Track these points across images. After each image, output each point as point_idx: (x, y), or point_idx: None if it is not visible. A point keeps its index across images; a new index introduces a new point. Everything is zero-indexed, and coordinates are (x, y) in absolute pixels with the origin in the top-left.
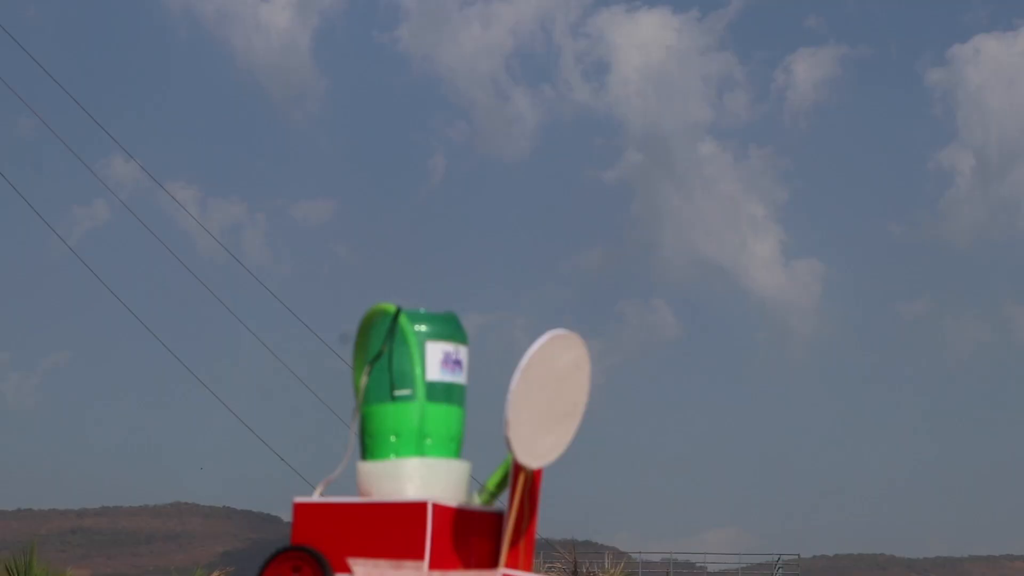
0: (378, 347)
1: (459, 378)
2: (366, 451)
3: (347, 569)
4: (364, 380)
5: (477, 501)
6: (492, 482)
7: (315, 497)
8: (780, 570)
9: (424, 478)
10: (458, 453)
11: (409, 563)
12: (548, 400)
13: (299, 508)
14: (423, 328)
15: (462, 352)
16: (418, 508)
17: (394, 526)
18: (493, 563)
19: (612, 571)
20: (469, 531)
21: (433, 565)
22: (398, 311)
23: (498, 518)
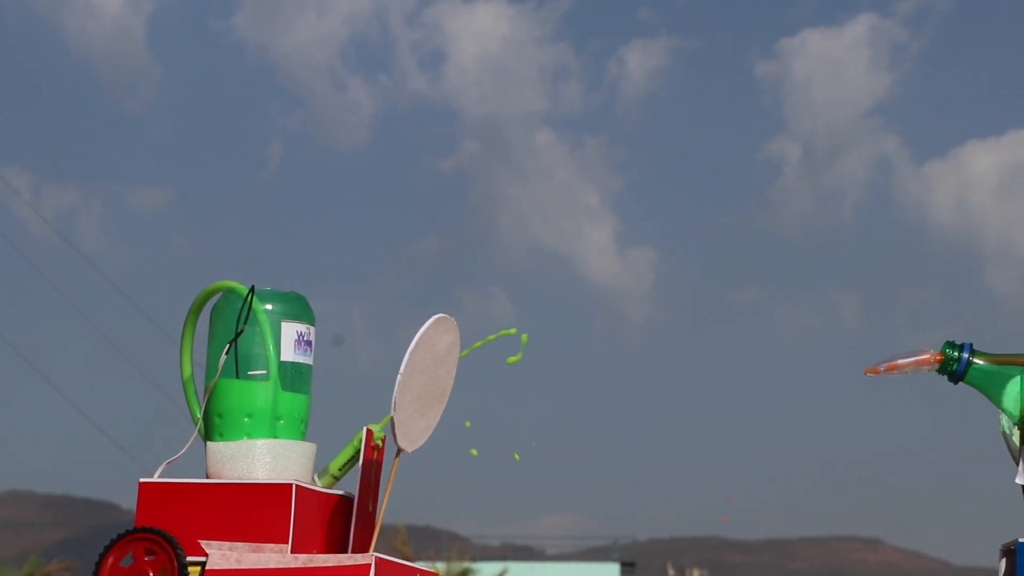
0: (228, 325)
1: (309, 359)
2: (215, 431)
3: (200, 552)
4: (223, 359)
5: (319, 484)
6: (335, 465)
7: (161, 477)
8: (616, 553)
9: (276, 459)
10: (305, 435)
11: (270, 546)
12: (425, 384)
13: (145, 488)
14: (276, 308)
15: (312, 333)
16: (282, 490)
17: (254, 508)
18: (344, 547)
19: (454, 556)
20: (324, 514)
21: (295, 548)
22: (252, 289)
23: (349, 502)
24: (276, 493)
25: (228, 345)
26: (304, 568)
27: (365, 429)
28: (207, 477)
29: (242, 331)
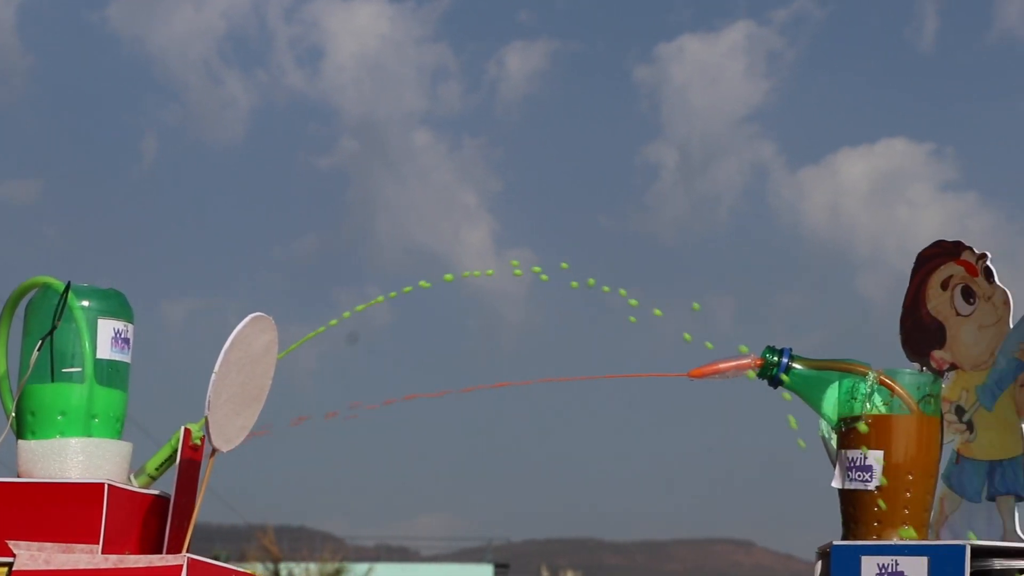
0: (43, 321)
1: (127, 357)
2: (27, 429)
3: (7, 553)
4: (35, 355)
5: (135, 483)
6: (152, 464)
7: None
8: (489, 554)
9: (90, 458)
10: (121, 434)
11: (81, 547)
12: (242, 383)
13: None
14: (93, 304)
15: (130, 331)
16: (93, 489)
17: (64, 508)
18: (160, 547)
19: (327, 557)
20: (139, 515)
21: (106, 549)
22: (68, 286)
23: (165, 502)
24: (87, 492)
25: (40, 341)
26: (115, 568)
27: (183, 429)
28: (18, 476)
29: (55, 327)
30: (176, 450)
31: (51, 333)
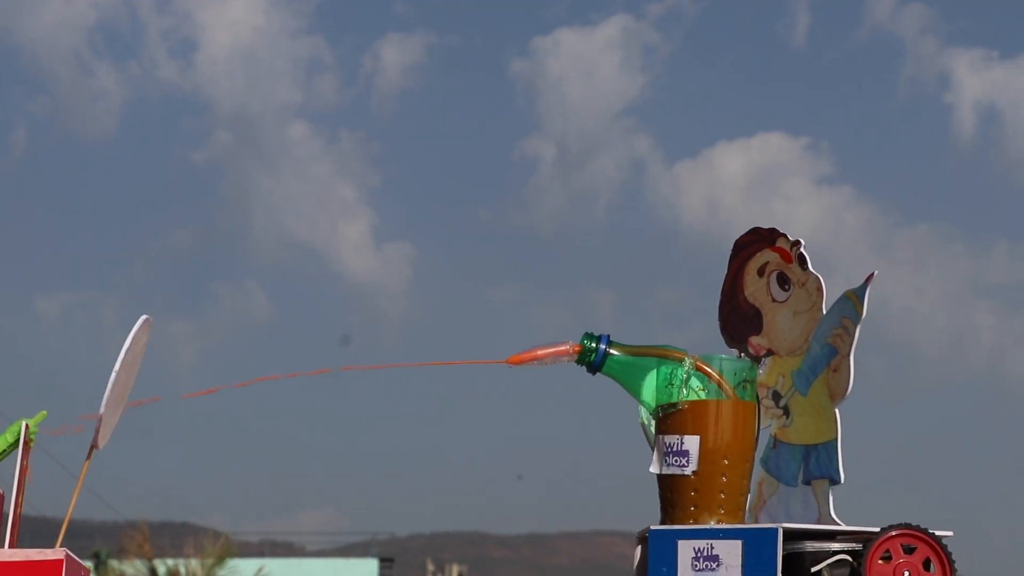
0: None
1: None
2: None
3: None
4: None
5: None
6: None
7: None
8: (374, 549)
9: None
10: None
11: None
12: (123, 383)
13: None
14: None
15: None
16: None
17: None
18: None
19: (211, 551)
20: None
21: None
22: None
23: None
24: None
25: None
26: None
27: (24, 424)
28: None
29: None
30: (11, 444)
31: None
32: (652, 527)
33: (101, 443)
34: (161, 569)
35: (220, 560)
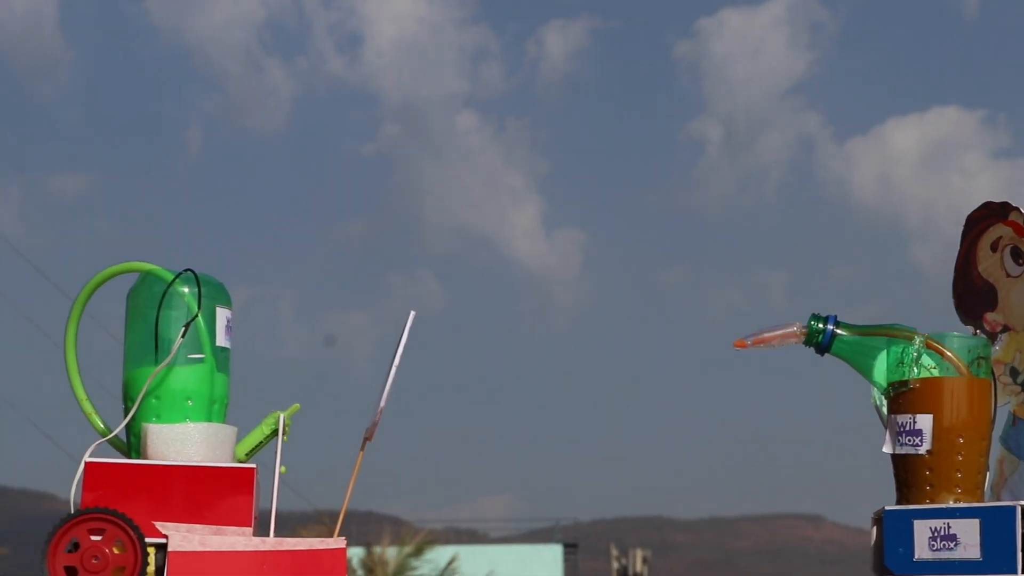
0: (149, 308)
1: (231, 344)
2: (151, 413)
3: (156, 534)
4: (179, 341)
5: None
6: (242, 449)
7: (94, 457)
8: (558, 535)
9: (210, 442)
10: (226, 418)
11: (232, 529)
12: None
13: (91, 469)
14: (210, 293)
15: (232, 318)
16: (244, 473)
17: (214, 491)
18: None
19: (406, 540)
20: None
21: (256, 531)
22: (195, 275)
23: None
24: (238, 476)
25: (184, 328)
26: (273, 551)
27: (279, 415)
28: (146, 459)
29: (197, 316)
30: (267, 436)
31: (192, 320)
32: (887, 507)
33: (374, 436)
34: (354, 560)
35: (419, 550)
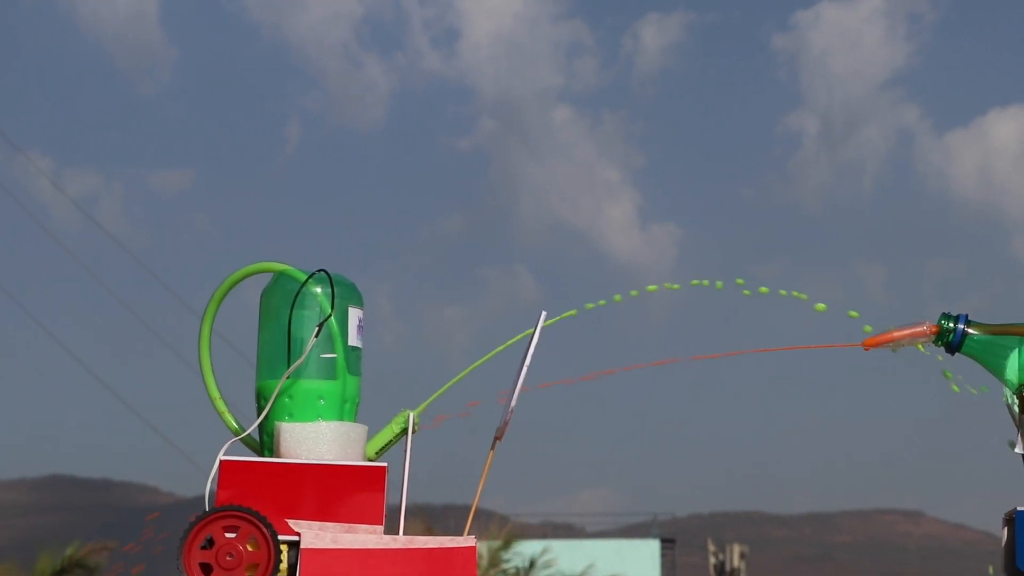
0: (283, 308)
1: (362, 344)
2: (284, 411)
3: (288, 531)
4: (312, 341)
5: None
6: (372, 448)
7: (227, 455)
8: (655, 529)
9: (341, 441)
10: (357, 417)
11: (364, 527)
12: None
13: (226, 467)
14: (343, 293)
15: (364, 318)
16: (376, 472)
17: (346, 489)
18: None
19: (495, 534)
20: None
21: (387, 530)
22: (328, 275)
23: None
24: (370, 475)
25: (317, 328)
26: (405, 549)
27: (408, 413)
28: (278, 457)
29: (330, 316)
30: (397, 435)
31: (326, 320)
32: (1019, 508)
33: (504, 436)
34: None
35: (507, 544)
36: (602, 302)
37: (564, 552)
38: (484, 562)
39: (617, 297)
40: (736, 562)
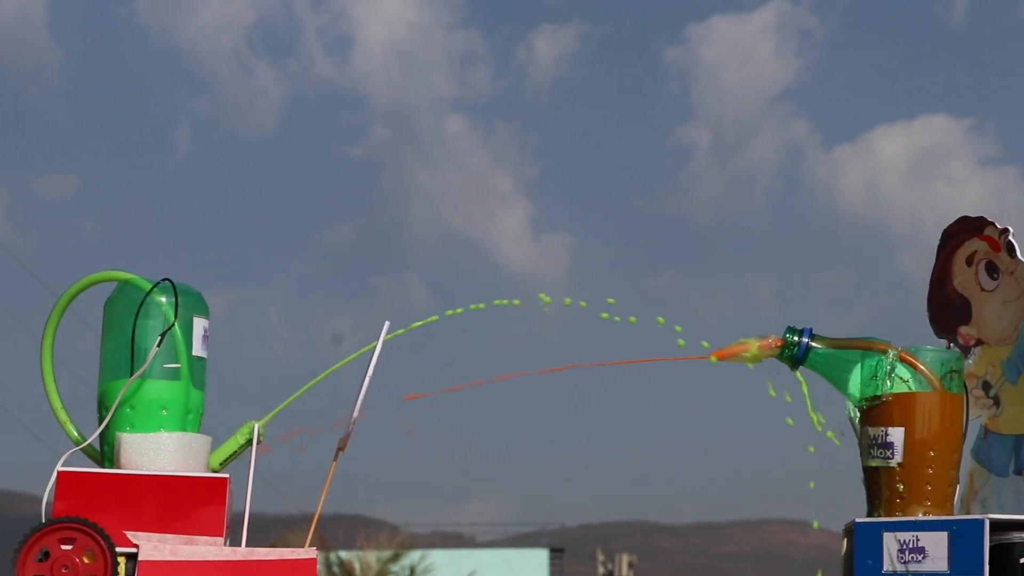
0: (126, 317)
1: (207, 354)
2: (125, 422)
3: (127, 543)
4: (154, 351)
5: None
6: (216, 459)
7: (67, 467)
8: (544, 539)
9: (183, 452)
10: (200, 428)
11: (204, 539)
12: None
13: (64, 478)
14: (189, 303)
15: (209, 328)
16: (217, 483)
17: (186, 501)
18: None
19: (384, 544)
20: (228, 508)
21: (228, 541)
22: (173, 284)
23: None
24: (210, 486)
25: (160, 338)
26: (245, 561)
27: (253, 424)
28: (119, 468)
29: (174, 324)
30: (241, 446)
31: (169, 330)
32: (858, 519)
33: (347, 447)
34: (335, 561)
35: (396, 556)
36: (459, 310)
37: (453, 562)
38: (372, 573)
39: (474, 306)
40: (624, 571)
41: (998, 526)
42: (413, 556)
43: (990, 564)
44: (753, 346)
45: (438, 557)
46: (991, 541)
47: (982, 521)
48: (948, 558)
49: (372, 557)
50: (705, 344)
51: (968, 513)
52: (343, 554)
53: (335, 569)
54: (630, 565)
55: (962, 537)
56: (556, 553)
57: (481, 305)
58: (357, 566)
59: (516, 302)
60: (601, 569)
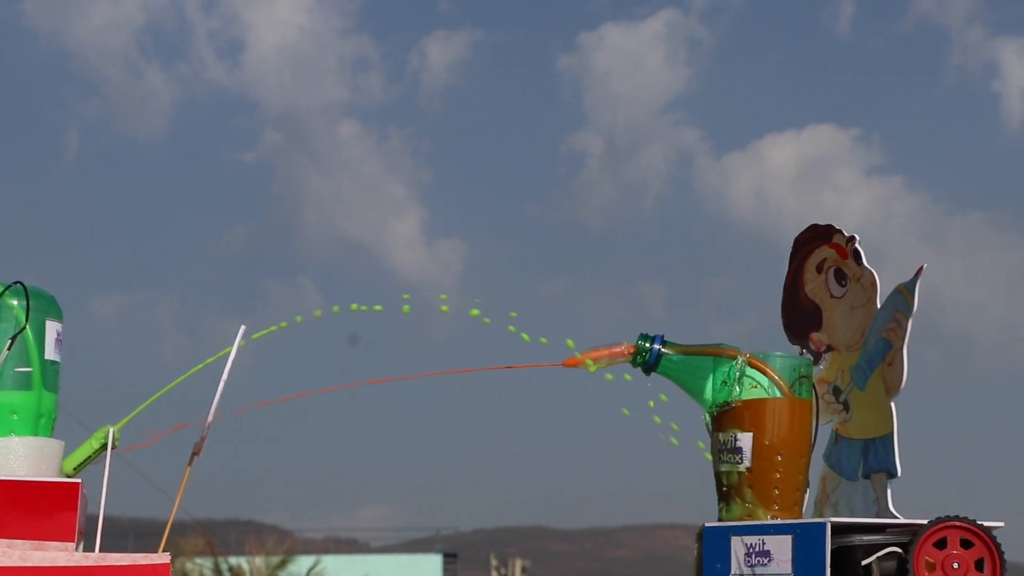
0: None
1: (60, 357)
2: None
3: None
4: (5, 354)
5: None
6: (70, 463)
7: None
8: (438, 544)
9: (36, 457)
10: (53, 432)
11: (55, 544)
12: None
13: None
14: (40, 306)
15: (62, 332)
16: (69, 488)
17: (37, 506)
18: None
19: (276, 550)
20: (83, 513)
21: (81, 546)
22: (24, 287)
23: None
24: (62, 491)
25: (10, 341)
26: (96, 566)
27: (109, 429)
28: None
29: (24, 328)
30: (96, 450)
31: (19, 334)
32: (707, 524)
33: (202, 452)
34: (225, 567)
35: (283, 562)
36: (299, 318)
37: (347, 568)
38: None
39: (317, 313)
40: None
41: (840, 529)
42: (306, 561)
43: (832, 566)
44: (605, 353)
45: (331, 562)
46: (833, 544)
47: (824, 524)
48: (792, 561)
49: (261, 562)
50: (571, 343)
51: (820, 516)
52: (233, 560)
53: (226, 575)
54: (523, 570)
55: (805, 540)
56: (450, 558)
57: (317, 312)
58: (247, 570)
59: (378, 307)
60: (495, 574)
